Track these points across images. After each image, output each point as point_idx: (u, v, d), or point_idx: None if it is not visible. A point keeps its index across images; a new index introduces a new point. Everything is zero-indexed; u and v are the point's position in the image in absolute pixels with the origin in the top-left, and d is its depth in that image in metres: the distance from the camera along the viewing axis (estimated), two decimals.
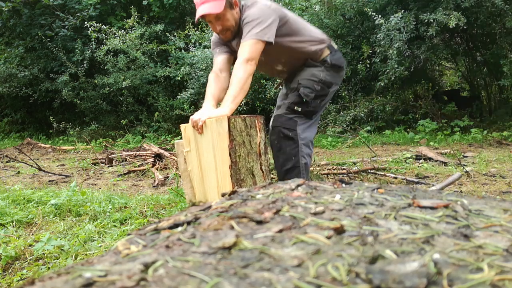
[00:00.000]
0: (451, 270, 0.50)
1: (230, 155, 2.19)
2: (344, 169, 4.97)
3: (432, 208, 0.80)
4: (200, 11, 2.47)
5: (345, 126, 7.51)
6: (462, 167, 4.68)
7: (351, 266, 0.50)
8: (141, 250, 0.57)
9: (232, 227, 0.64)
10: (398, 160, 5.43)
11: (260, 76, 7.75)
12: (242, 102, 7.48)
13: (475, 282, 0.47)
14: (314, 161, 5.43)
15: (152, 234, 0.65)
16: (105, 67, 9.06)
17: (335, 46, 2.78)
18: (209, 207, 0.80)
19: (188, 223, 0.69)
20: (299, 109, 2.60)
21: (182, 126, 2.41)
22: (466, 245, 0.59)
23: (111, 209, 3.71)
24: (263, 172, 2.51)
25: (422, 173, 4.69)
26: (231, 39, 2.68)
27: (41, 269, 2.48)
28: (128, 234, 0.68)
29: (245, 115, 2.42)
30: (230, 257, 0.53)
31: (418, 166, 5.11)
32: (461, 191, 3.92)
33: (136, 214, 3.50)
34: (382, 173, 4.71)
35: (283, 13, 2.54)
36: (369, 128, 7.47)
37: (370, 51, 7.63)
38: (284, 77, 2.94)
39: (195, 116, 2.30)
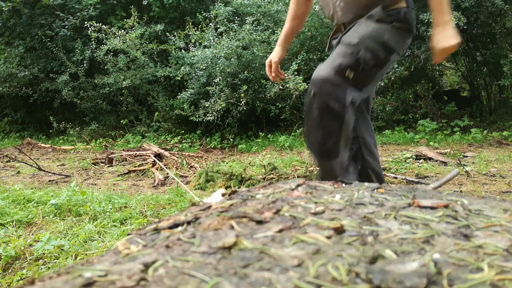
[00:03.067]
0: (451, 270, 0.50)
1: None
2: None
3: (432, 208, 0.80)
4: None
5: None
6: (462, 167, 4.68)
7: (351, 266, 0.50)
8: (141, 250, 0.57)
9: (232, 227, 0.64)
10: (398, 160, 5.43)
11: (260, 76, 7.75)
12: (242, 102, 7.48)
13: (475, 282, 0.47)
14: (314, 161, 5.42)
15: (152, 234, 0.65)
16: (105, 67, 9.05)
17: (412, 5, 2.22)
18: (209, 207, 0.80)
19: (188, 223, 0.69)
20: (351, 75, 1.99)
21: None
22: (466, 245, 0.59)
23: (111, 209, 3.72)
24: None
25: (422, 173, 4.69)
26: None
27: (41, 269, 2.48)
28: (128, 234, 0.68)
29: None
30: (230, 257, 0.53)
31: (418, 166, 5.12)
32: (461, 191, 3.92)
33: (136, 214, 3.50)
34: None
35: None
36: None
37: None
38: (340, 19, 2.25)
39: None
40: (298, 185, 0.98)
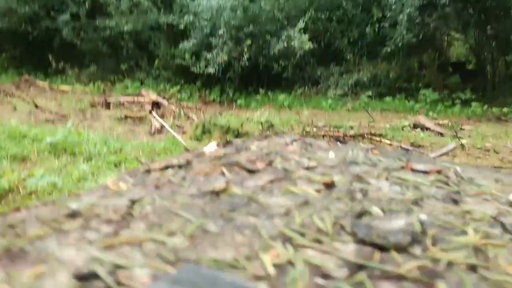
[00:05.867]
0: (436, 231, 0.50)
1: None
2: (341, 132, 4.98)
3: (425, 172, 0.80)
4: None
5: (346, 89, 7.45)
6: (458, 139, 4.69)
7: (337, 219, 0.50)
8: (130, 188, 0.57)
9: (223, 173, 0.64)
10: (396, 128, 5.43)
11: (265, 31, 7.58)
12: (245, 57, 7.36)
13: (458, 244, 0.47)
14: (312, 121, 5.43)
15: (143, 174, 0.65)
16: (107, 9, 8.81)
17: None
18: (203, 154, 0.80)
19: (180, 166, 0.69)
20: None
21: None
22: (454, 210, 0.60)
23: (106, 151, 3.73)
24: None
25: (418, 142, 4.71)
26: None
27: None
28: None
29: None
30: (218, 201, 0.53)
31: (415, 135, 5.13)
32: None
33: (131, 158, 3.52)
34: (378, 139, 4.73)
35: None
36: (370, 93, 7.41)
37: (380, 15, 7.44)
38: None
39: None
40: (294, 140, 0.98)
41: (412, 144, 4.65)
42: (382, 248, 0.44)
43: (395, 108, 7.08)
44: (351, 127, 5.45)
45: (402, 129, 5.39)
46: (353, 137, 4.86)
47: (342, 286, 0.35)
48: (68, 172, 3.16)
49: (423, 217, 0.54)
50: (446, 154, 3.88)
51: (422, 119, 5.77)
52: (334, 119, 6.25)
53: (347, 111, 6.92)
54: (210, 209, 0.50)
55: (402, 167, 0.82)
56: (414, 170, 0.81)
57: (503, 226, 0.55)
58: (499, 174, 0.89)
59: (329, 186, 0.64)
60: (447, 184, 0.73)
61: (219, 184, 0.57)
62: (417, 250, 0.44)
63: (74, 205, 0.47)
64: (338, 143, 1.01)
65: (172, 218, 0.46)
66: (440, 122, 5.96)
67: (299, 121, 5.70)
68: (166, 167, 0.67)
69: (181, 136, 4.66)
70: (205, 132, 4.85)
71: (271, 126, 5.40)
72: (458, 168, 0.86)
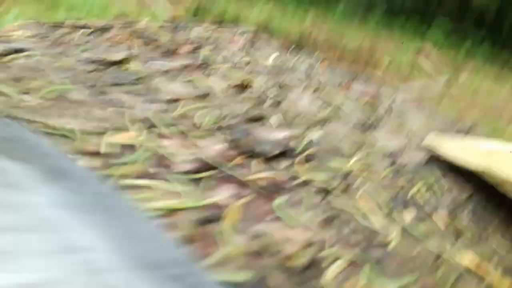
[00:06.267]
0: (320, 151, 0.49)
1: None
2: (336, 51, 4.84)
3: (360, 95, 0.78)
4: None
5: (360, 2, 7.07)
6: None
7: (220, 119, 0.48)
8: (24, 38, 0.53)
9: (132, 47, 0.60)
10: (394, 53, 5.29)
11: None
12: None
13: (331, 167, 0.46)
14: (311, 33, 5.21)
15: (50, 28, 0.60)
16: None
17: None
18: (132, 23, 0.74)
19: (95, 30, 0.64)
20: None
21: None
22: (358, 137, 0.58)
23: (91, 5, 3.56)
24: None
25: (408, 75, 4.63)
26: None
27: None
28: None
29: None
30: (105, 72, 0.49)
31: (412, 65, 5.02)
32: None
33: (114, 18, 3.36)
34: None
35: None
36: (383, 8, 7.06)
37: None
38: None
39: None
40: (244, 33, 0.92)
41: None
42: (248, 155, 0.42)
43: (403, 32, 6.82)
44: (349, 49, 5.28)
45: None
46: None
47: (170, 179, 0.34)
48: (44, 18, 3.03)
49: (315, 136, 0.52)
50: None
51: (426, 51, 5.62)
52: (337, 33, 6.01)
53: (354, 29, 6.64)
54: (89, 78, 0.47)
55: (339, 85, 0.79)
56: (348, 89, 0.78)
57: (393, 162, 0.54)
58: (437, 116, 0.87)
59: (240, 87, 0.60)
60: (372, 109, 0.71)
61: (118, 55, 0.54)
62: (282, 164, 0.43)
63: None
64: (291, 48, 0.96)
65: (39, 77, 0.43)
66: (441, 58, 5.81)
67: (299, 30, 5.48)
68: (81, 27, 0.62)
69: (174, 7, 4.43)
70: (199, 9, 4.62)
71: (266, 27, 5.17)
72: (398, 99, 0.84)
